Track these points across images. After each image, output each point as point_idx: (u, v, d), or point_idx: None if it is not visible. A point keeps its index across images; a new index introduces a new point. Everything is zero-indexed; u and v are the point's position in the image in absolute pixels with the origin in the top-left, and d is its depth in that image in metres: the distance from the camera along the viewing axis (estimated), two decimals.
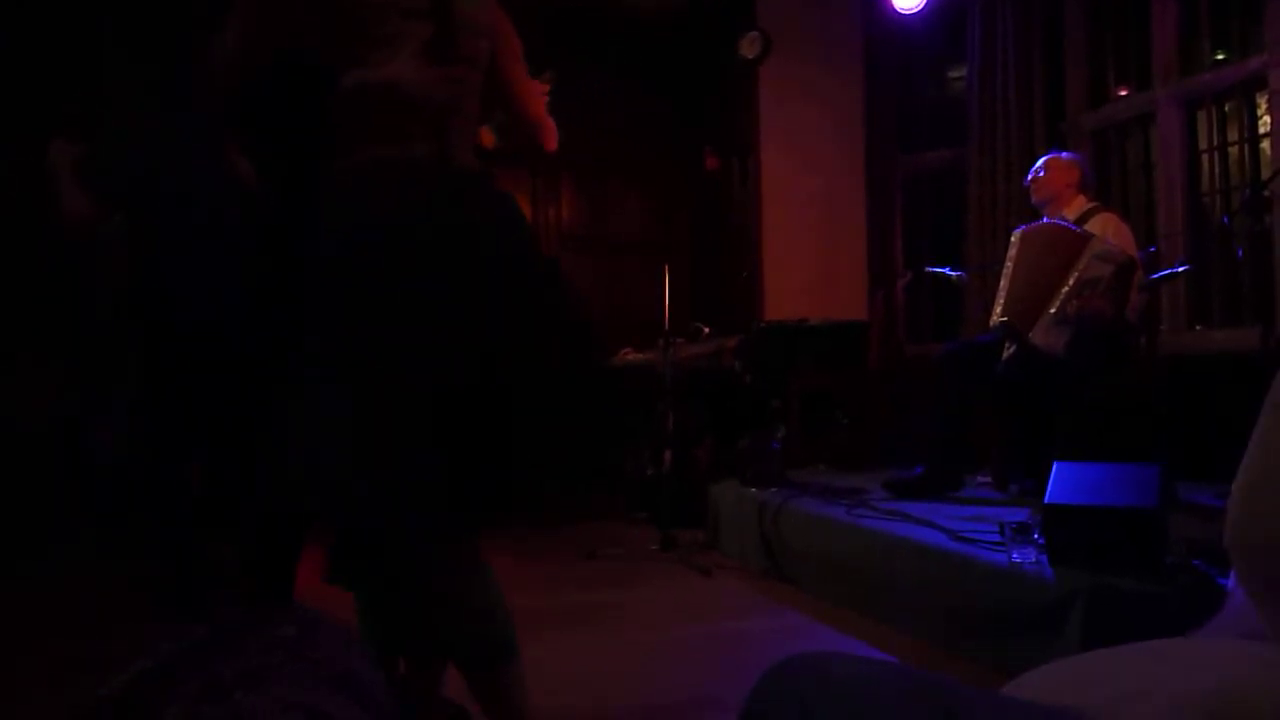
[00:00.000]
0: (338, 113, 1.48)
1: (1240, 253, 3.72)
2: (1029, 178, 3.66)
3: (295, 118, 1.50)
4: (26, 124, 4.47)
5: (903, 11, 5.07)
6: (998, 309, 3.38)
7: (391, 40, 1.48)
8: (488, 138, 1.79)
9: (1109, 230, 3.37)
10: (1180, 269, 3.40)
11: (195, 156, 1.44)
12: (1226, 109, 4.10)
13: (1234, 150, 4.10)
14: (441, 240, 1.44)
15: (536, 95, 1.75)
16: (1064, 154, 3.71)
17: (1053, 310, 3.20)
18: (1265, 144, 3.89)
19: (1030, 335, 3.23)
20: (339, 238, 1.42)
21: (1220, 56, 4.13)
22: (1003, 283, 3.42)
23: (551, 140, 1.77)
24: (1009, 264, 3.43)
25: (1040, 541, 2.24)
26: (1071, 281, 3.19)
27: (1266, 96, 3.80)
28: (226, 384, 1.49)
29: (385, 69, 1.47)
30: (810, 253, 5.43)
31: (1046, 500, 2.20)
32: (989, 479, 3.71)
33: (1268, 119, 3.83)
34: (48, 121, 4.45)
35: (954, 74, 5.48)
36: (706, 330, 4.82)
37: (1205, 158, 4.19)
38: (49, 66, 4.51)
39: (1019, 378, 3.34)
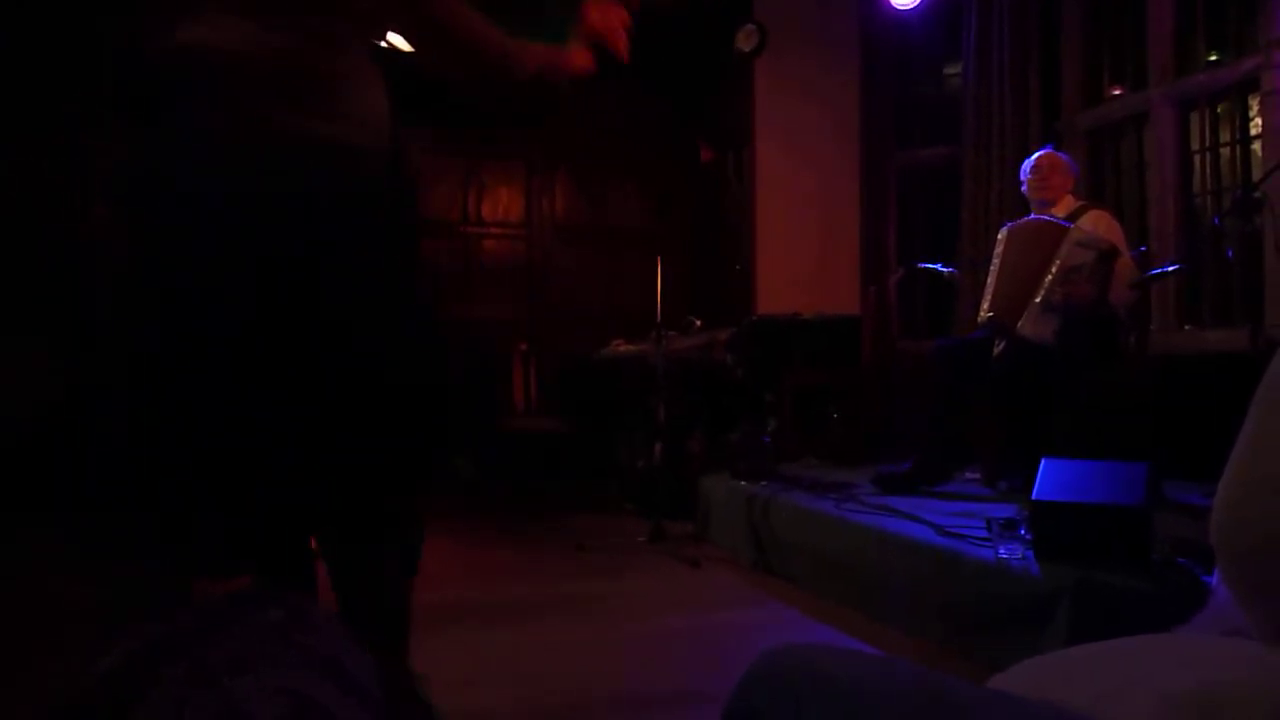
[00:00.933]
0: (155, 78, 1.37)
1: (1230, 253, 3.73)
2: (1030, 164, 3.62)
3: (105, 88, 1.44)
4: (26, 124, 4.44)
5: (900, 8, 5.07)
6: (985, 305, 3.41)
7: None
8: (581, 58, 1.57)
9: (1100, 227, 3.38)
10: (1171, 268, 3.41)
11: (195, 156, 1.40)
12: (1219, 110, 4.11)
13: (1226, 151, 4.11)
14: (273, 221, 1.33)
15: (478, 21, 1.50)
16: (1063, 156, 3.71)
17: (1038, 299, 3.23)
18: (1257, 145, 3.89)
19: (1018, 326, 3.25)
20: (168, 216, 1.34)
21: (1214, 57, 4.14)
22: (989, 279, 3.45)
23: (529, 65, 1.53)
24: (996, 260, 3.46)
25: (1027, 537, 2.25)
26: (1054, 270, 3.21)
27: (1259, 98, 3.81)
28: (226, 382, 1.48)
29: (192, 32, 1.34)
30: (804, 247, 5.43)
31: (1034, 496, 2.21)
32: (977, 475, 3.72)
33: (1259, 120, 3.84)
34: (48, 121, 4.43)
35: (950, 71, 5.47)
36: (698, 323, 4.81)
37: (1198, 158, 4.20)
38: (49, 66, 4.48)
39: (1011, 373, 3.36)
